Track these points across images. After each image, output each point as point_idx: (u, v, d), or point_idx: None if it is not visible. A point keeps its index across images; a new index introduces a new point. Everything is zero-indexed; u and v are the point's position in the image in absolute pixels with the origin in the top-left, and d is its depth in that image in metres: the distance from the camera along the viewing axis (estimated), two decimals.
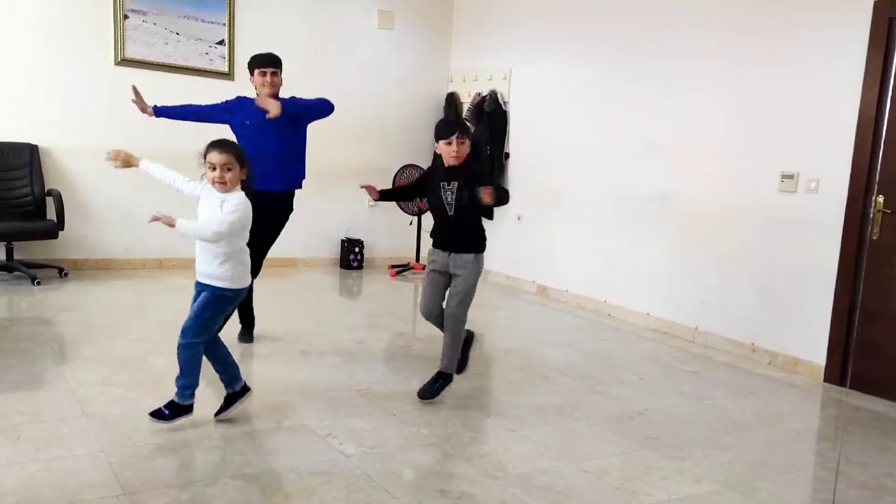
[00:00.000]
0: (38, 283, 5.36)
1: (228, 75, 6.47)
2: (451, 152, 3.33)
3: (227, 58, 6.49)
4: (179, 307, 4.99)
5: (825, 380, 4.28)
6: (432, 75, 7.55)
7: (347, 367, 4.00)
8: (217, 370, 3.04)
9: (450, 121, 3.44)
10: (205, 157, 2.87)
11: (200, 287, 2.94)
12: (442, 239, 3.43)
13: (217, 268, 2.88)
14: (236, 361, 3.10)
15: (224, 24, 6.47)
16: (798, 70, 4.45)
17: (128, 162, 3.15)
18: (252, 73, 4.16)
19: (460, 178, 3.33)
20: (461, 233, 3.39)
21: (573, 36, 6.13)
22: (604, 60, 5.84)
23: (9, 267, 5.49)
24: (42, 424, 2.89)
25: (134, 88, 4.34)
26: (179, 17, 6.28)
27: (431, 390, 3.45)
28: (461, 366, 3.59)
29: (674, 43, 5.24)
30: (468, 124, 3.46)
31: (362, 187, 3.68)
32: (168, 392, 3.34)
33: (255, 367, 3.92)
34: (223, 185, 2.86)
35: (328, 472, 2.67)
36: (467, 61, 7.43)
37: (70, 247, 5.97)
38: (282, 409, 3.28)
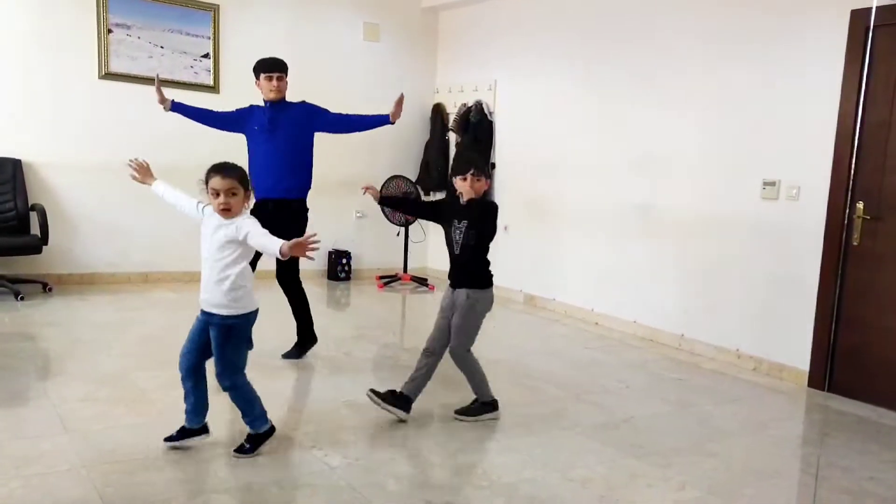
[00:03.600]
0: (22, 299, 5.32)
1: (213, 88, 6.47)
2: (465, 188, 3.33)
3: (211, 71, 6.50)
4: (164, 322, 5.00)
5: (809, 385, 4.31)
6: (418, 87, 7.58)
7: (333, 378, 3.99)
8: (187, 399, 2.85)
9: (468, 157, 3.47)
10: (206, 183, 2.74)
11: (206, 316, 2.78)
12: (449, 273, 3.46)
13: (224, 295, 2.72)
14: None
15: (209, 38, 6.48)
16: (777, 79, 4.49)
17: (145, 176, 3.07)
18: (258, 78, 4.16)
19: (469, 218, 3.34)
20: (465, 272, 3.40)
21: (557, 48, 6.18)
22: (587, 72, 5.89)
23: None
24: (22, 441, 2.86)
25: (157, 76, 4.34)
26: (164, 31, 6.29)
27: (466, 410, 3.45)
28: (468, 414, 3.45)
29: (655, 54, 5.29)
30: (481, 163, 3.46)
31: (364, 190, 3.63)
32: (150, 407, 3.34)
33: None
34: (228, 212, 2.71)
35: (312, 484, 2.66)
36: (453, 73, 7.47)
37: (54, 261, 5.93)
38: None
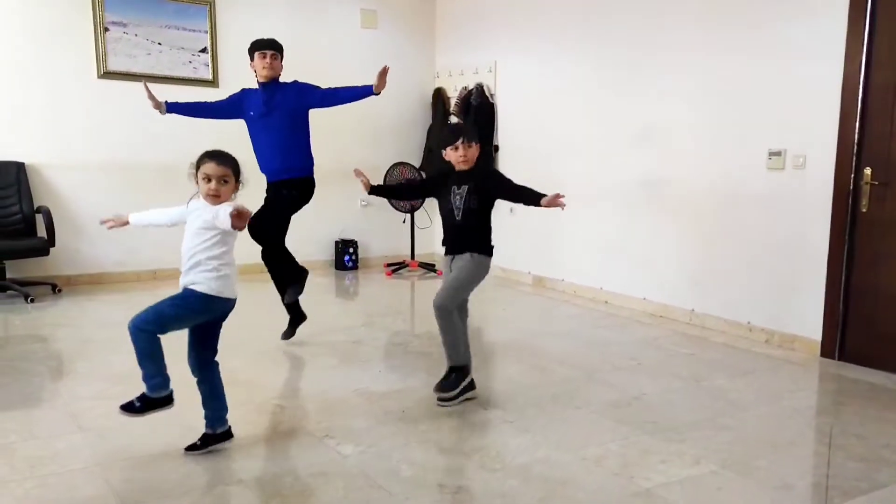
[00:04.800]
0: (32, 301, 5.35)
1: (213, 83, 6.45)
2: (458, 157, 3.29)
3: (210, 65, 6.48)
4: None
5: (822, 355, 4.28)
6: (418, 72, 7.54)
7: (344, 367, 3.99)
8: (204, 404, 2.80)
9: (453, 127, 3.42)
10: (197, 168, 2.68)
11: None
12: (447, 243, 3.41)
13: (199, 274, 2.66)
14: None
15: (206, 32, 6.46)
16: (778, 45, 4.43)
17: (119, 220, 2.97)
18: (252, 58, 4.17)
19: (471, 181, 3.30)
20: (467, 237, 3.35)
21: (556, 26, 6.12)
22: (587, 48, 5.83)
23: (1, 286, 5.48)
24: (36, 441, 2.88)
25: (145, 84, 4.37)
26: (160, 27, 6.26)
27: (443, 385, 3.37)
28: (446, 388, 3.36)
29: (654, 26, 5.23)
30: (467, 128, 3.41)
31: (357, 174, 3.53)
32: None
33: (252, 371, 3.91)
34: (216, 199, 2.66)
35: (326, 472, 2.66)
36: (452, 56, 7.42)
37: (62, 263, 5.96)
38: (278, 412, 3.28)
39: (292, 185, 4.19)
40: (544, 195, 3.24)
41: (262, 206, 4.15)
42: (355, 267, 7.22)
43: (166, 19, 6.28)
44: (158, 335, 2.64)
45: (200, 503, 2.42)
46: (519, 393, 3.57)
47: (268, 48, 4.14)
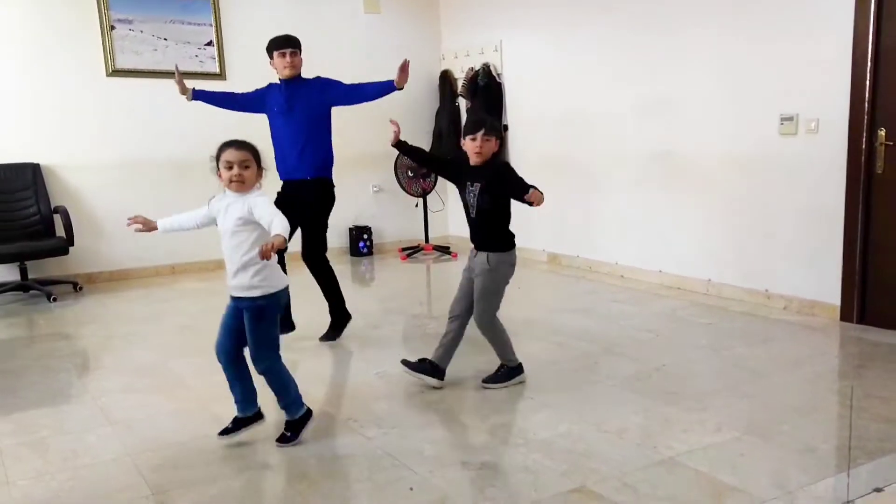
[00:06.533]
0: (55, 300, 5.43)
1: (220, 76, 6.47)
2: (474, 149, 3.24)
3: (216, 58, 6.50)
4: (195, 310, 5.08)
5: (842, 319, 4.26)
6: (424, 55, 7.51)
7: (364, 352, 4.03)
8: (233, 389, 2.83)
9: (478, 119, 3.36)
10: (218, 158, 2.69)
11: (235, 301, 2.74)
12: (471, 236, 3.41)
13: (250, 278, 2.67)
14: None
15: (210, 25, 6.47)
16: (788, 5, 4.38)
17: (148, 226, 2.91)
18: (271, 57, 4.12)
19: (483, 180, 3.25)
20: (483, 235, 3.34)
21: (561, 0, 6.07)
22: (593, 22, 5.79)
23: (24, 286, 5.57)
24: (68, 435, 2.94)
25: (176, 67, 4.35)
26: (165, 23, 6.28)
27: (493, 378, 3.40)
28: (495, 381, 3.39)
29: None
30: (491, 122, 3.36)
31: (392, 123, 3.56)
32: (189, 393, 3.40)
33: None
34: (241, 185, 2.65)
35: (350, 455, 2.70)
36: (457, 37, 7.39)
37: (82, 261, 6.03)
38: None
39: (307, 186, 4.12)
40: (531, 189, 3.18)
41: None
42: (370, 253, 7.26)
43: (171, 14, 6.29)
44: (280, 355, 2.79)
45: (230, 488, 2.47)
46: (539, 369, 3.59)
47: (287, 46, 4.07)
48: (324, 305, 4.30)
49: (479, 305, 3.32)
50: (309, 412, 2.87)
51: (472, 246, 3.42)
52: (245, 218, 2.64)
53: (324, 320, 4.32)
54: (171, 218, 2.94)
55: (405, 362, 3.40)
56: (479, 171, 3.28)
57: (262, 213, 2.61)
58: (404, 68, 3.98)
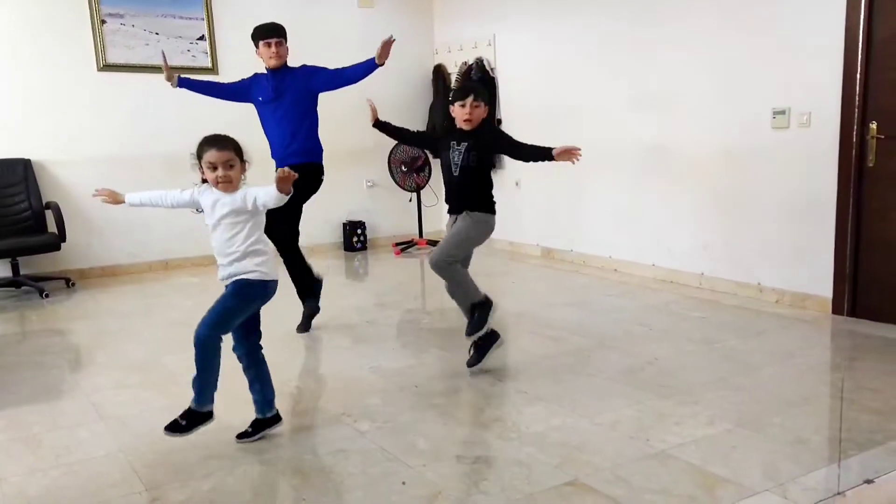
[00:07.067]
0: (47, 296, 5.41)
1: (212, 70, 6.45)
2: (463, 115, 3.26)
3: (209, 53, 6.47)
4: (188, 305, 5.06)
5: (834, 312, 4.29)
6: (418, 50, 7.50)
7: (358, 347, 4.03)
8: (252, 389, 2.81)
9: (466, 84, 3.40)
10: (199, 158, 2.61)
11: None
12: (448, 201, 3.40)
13: (244, 265, 2.63)
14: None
15: (202, 19, 6.44)
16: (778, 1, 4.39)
17: (114, 198, 2.88)
18: (257, 46, 4.12)
19: (471, 139, 3.28)
20: (464, 194, 3.33)
21: None
22: (586, 15, 5.79)
23: (16, 282, 5.55)
24: (60, 431, 2.93)
25: (163, 53, 4.35)
26: (157, 17, 6.25)
27: (473, 326, 3.34)
28: (478, 326, 3.36)
29: None
30: (480, 88, 3.38)
31: (368, 102, 3.60)
32: (181, 389, 3.39)
33: (267, 354, 3.95)
34: (228, 185, 2.60)
35: (344, 449, 2.70)
36: (451, 32, 7.38)
37: (74, 257, 6.01)
38: (295, 393, 3.32)
39: (299, 170, 4.13)
40: (553, 148, 3.18)
41: None
42: (364, 248, 7.25)
43: (162, 8, 6.26)
44: (222, 336, 2.64)
45: (224, 483, 2.46)
46: (532, 363, 3.59)
47: (272, 36, 4.06)
48: (321, 303, 4.30)
49: (440, 247, 3.27)
50: (207, 415, 2.69)
51: (449, 212, 3.39)
52: (241, 209, 2.62)
53: (321, 316, 4.32)
54: (140, 193, 2.88)
55: (471, 360, 3.40)
56: (468, 133, 3.29)
57: (259, 192, 2.59)
58: (387, 45, 3.93)
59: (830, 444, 2.62)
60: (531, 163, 3.43)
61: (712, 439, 2.67)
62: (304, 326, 4.27)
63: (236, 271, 2.65)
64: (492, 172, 3.42)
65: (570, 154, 3.19)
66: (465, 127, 3.30)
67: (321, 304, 4.34)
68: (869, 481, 2.33)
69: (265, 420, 2.83)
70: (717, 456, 2.53)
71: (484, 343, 3.42)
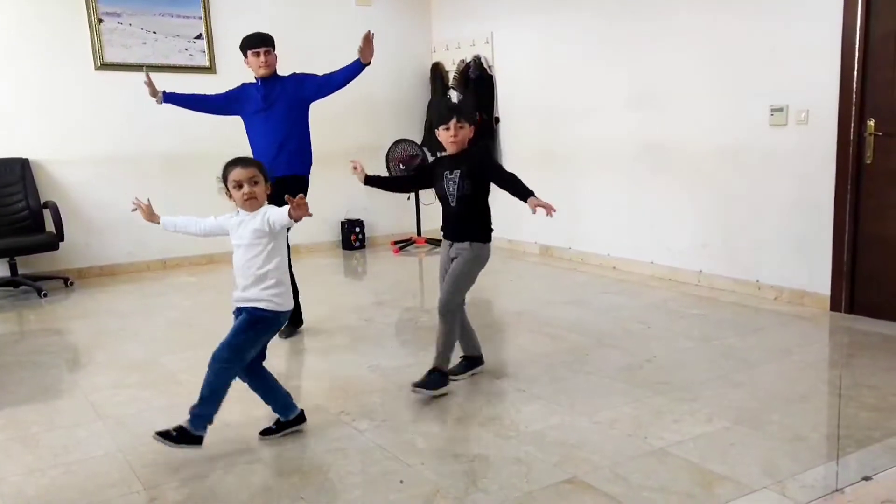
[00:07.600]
0: (45, 295, 5.41)
1: (210, 69, 6.44)
2: (448, 137, 3.17)
3: (206, 52, 6.46)
4: (186, 305, 5.07)
5: (832, 309, 4.29)
6: (415, 48, 7.50)
7: (356, 345, 4.03)
8: (266, 401, 2.83)
9: (449, 105, 3.24)
10: (225, 179, 2.68)
11: (239, 312, 2.70)
12: (445, 229, 3.33)
13: (261, 292, 2.65)
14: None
15: (200, 18, 6.43)
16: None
17: (150, 216, 2.92)
18: (245, 56, 4.09)
19: (463, 166, 3.18)
20: (462, 223, 3.25)
21: None
22: (583, 13, 5.78)
23: (14, 282, 5.54)
24: (59, 431, 2.93)
25: (145, 71, 4.29)
26: (154, 16, 6.24)
27: (424, 382, 3.19)
28: (442, 379, 3.21)
29: None
30: (464, 108, 3.24)
31: (352, 165, 3.41)
32: (180, 388, 3.39)
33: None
34: (254, 201, 2.64)
35: (342, 448, 2.70)
36: (448, 30, 7.37)
37: (72, 256, 6.01)
38: (293, 392, 3.29)
39: (283, 182, 3.92)
40: (532, 193, 3.12)
41: None
42: (362, 246, 7.25)
43: (160, 7, 6.25)
44: (237, 367, 2.67)
45: (222, 482, 2.46)
46: (530, 361, 3.60)
47: (260, 45, 4.02)
48: (320, 302, 4.30)
49: (448, 292, 3.21)
50: (197, 439, 2.64)
51: (444, 237, 3.33)
52: (261, 230, 2.64)
53: (320, 315, 4.32)
54: (175, 218, 2.93)
55: (415, 386, 3.16)
56: (457, 158, 3.21)
57: (273, 211, 2.63)
58: (368, 40, 3.87)
59: (829, 442, 2.62)
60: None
61: (711, 437, 2.67)
62: (286, 333, 4.21)
63: (250, 297, 2.66)
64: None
65: (543, 207, 3.12)
66: (452, 150, 3.21)
67: (319, 298, 4.33)
68: (867, 478, 2.33)
69: (289, 421, 2.85)
70: (715, 453, 2.53)
71: (438, 381, 3.23)
